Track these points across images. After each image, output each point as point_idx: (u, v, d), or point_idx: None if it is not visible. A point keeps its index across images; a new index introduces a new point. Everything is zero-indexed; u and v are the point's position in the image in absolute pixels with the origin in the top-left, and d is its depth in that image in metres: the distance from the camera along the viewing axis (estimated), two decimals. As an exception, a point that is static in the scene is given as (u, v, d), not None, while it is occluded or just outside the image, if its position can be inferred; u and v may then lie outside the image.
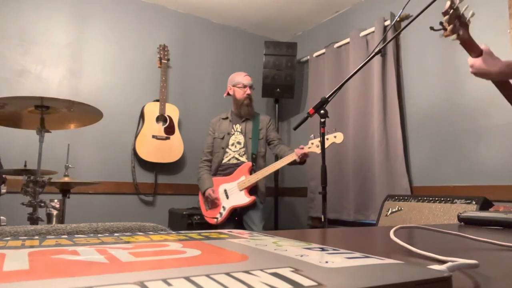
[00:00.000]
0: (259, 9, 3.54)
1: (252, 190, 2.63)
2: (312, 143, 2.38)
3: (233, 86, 2.81)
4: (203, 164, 2.83)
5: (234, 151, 2.74)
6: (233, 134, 2.78)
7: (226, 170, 2.72)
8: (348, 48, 3.26)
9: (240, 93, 2.77)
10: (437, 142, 2.59)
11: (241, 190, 2.61)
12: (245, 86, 2.76)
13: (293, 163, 2.47)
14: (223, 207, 2.64)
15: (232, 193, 2.63)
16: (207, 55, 3.70)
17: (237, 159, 2.73)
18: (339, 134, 2.29)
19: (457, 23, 1.26)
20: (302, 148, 2.39)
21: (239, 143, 2.76)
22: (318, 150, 2.31)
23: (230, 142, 2.77)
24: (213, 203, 2.67)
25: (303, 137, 3.41)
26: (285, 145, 2.85)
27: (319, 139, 2.26)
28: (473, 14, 1.26)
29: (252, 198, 2.60)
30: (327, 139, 2.28)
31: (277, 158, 2.78)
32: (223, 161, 2.75)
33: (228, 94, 2.87)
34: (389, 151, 2.79)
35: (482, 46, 1.30)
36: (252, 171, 2.65)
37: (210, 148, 2.83)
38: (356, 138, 3.03)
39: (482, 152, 2.33)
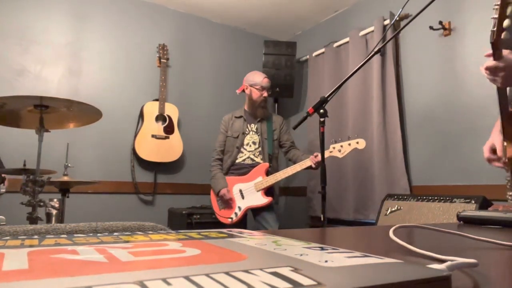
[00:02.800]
0: (258, 9, 3.54)
1: (268, 191, 2.61)
2: (334, 148, 2.36)
3: (251, 86, 2.74)
4: (215, 163, 2.77)
5: (249, 151, 2.70)
6: (248, 133, 2.74)
7: (241, 170, 2.68)
8: (347, 47, 3.26)
9: (257, 95, 2.71)
10: (436, 141, 2.59)
11: (258, 191, 2.58)
12: (263, 89, 2.71)
13: (309, 167, 2.48)
14: (239, 207, 2.61)
15: (248, 194, 2.60)
16: (206, 54, 3.70)
17: (252, 159, 2.69)
18: (361, 140, 2.30)
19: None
20: (317, 156, 2.38)
21: (254, 143, 2.71)
22: (340, 155, 2.33)
23: (245, 141, 2.72)
24: (227, 203, 2.64)
25: (302, 136, 3.42)
26: (297, 148, 2.82)
27: (341, 144, 2.32)
28: None
29: (269, 199, 2.57)
30: (349, 144, 2.30)
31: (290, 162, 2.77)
32: (237, 161, 2.71)
33: (243, 91, 2.80)
34: (388, 150, 2.79)
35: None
36: (269, 172, 2.63)
37: (222, 146, 2.77)
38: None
39: (481, 151, 2.32)
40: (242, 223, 2.64)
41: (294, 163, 2.63)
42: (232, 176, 2.69)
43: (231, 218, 2.62)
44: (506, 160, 1.25)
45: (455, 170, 2.45)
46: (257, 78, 2.73)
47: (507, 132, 1.24)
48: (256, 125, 2.76)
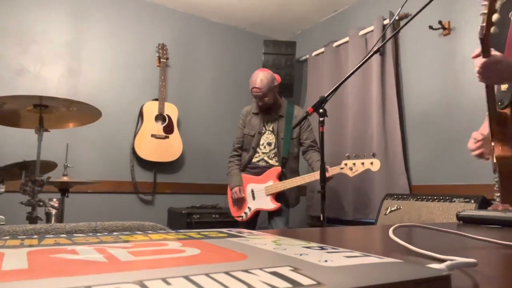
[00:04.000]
0: (258, 8, 3.54)
1: (278, 195, 2.56)
2: (346, 164, 2.26)
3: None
4: (233, 159, 2.75)
5: (263, 153, 2.64)
6: (264, 133, 2.67)
7: (255, 169, 2.66)
8: (347, 47, 3.26)
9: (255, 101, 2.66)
10: (436, 141, 2.59)
11: (267, 195, 2.55)
12: (255, 97, 2.62)
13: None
14: (249, 207, 2.62)
15: (259, 196, 2.58)
16: (206, 54, 3.70)
17: (266, 161, 2.64)
18: (376, 162, 2.17)
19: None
20: (327, 171, 2.24)
21: (269, 144, 2.64)
22: (351, 173, 2.25)
23: (261, 142, 2.66)
24: (239, 201, 2.64)
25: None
26: (316, 150, 2.60)
27: (353, 161, 2.24)
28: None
29: (278, 205, 2.53)
30: (363, 164, 2.21)
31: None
32: (253, 160, 2.68)
33: None
34: (388, 150, 2.79)
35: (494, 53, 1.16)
36: (281, 176, 2.57)
37: (240, 143, 2.74)
38: (355, 137, 3.03)
39: (480, 151, 2.33)
40: (251, 224, 2.64)
41: (309, 166, 2.58)
42: (247, 175, 2.68)
43: (241, 217, 2.64)
44: (490, 153, 1.28)
45: (455, 170, 2.45)
46: (250, 85, 2.60)
47: (495, 132, 1.25)
48: (273, 124, 2.66)
